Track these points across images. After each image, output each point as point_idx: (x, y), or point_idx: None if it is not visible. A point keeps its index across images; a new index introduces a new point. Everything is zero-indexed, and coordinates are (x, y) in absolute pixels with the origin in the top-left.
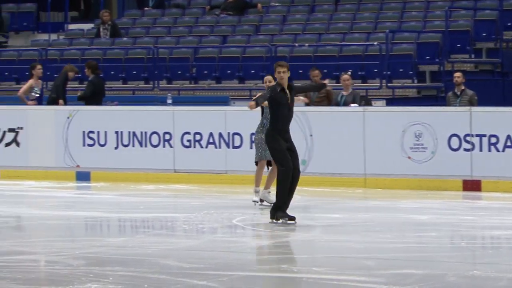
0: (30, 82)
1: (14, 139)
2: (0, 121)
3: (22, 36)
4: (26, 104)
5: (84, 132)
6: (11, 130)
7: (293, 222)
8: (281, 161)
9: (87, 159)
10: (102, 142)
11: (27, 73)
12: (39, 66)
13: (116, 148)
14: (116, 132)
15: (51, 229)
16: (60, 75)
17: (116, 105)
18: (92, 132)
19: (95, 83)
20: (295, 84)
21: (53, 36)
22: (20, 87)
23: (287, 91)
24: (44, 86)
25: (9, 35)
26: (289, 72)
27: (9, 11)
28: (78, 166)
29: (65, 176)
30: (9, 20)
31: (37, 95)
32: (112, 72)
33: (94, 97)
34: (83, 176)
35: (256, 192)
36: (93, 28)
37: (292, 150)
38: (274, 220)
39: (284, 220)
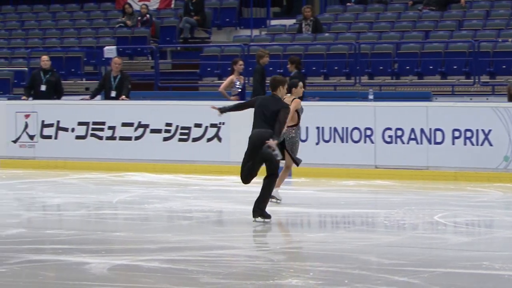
0: (231, 77)
1: (216, 134)
2: (203, 116)
3: (225, 32)
4: (228, 99)
5: None
6: (213, 125)
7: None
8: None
9: None
10: (303, 138)
11: (229, 69)
12: (240, 62)
13: (317, 143)
14: (317, 128)
15: (252, 224)
16: (256, 72)
17: (318, 100)
18: None
19: (295, 79)
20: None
21: (255, 32)
22: (222, 83)
23: None
24: (246, 81)
25: (212, 31)
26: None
27: (212, 7)
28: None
29: None
30: (211, 16)
31: (239, 90)
32: (314, 68)
33: None
34: None
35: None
36: (295, 24)
37: None
38: (259, 219)
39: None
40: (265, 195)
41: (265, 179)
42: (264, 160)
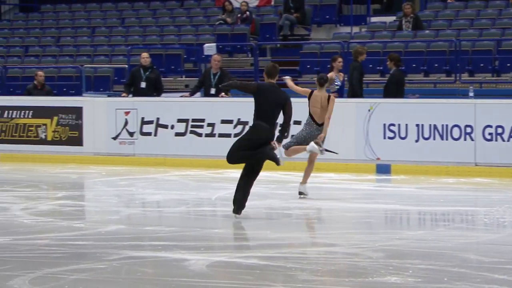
0: (331, 74)
1: None
2: (302, 113)
3: (324, 29)
4: None
5: (384, 125)
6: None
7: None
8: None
9: (388, 152)
10: (402, 135)
11: (328, 66)
12: (339, 59)
13: (416, 141)
14: (417, 125)
15: (351, 221)
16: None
17: (417, 98)
18: (392, 125)
19: (395, 76)
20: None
21: (355, 29)
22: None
23: None
24: (346, 78)
25: (312, 28)
26: None
27: (312, 4)
28: (378, 158)
29: (365, 169)
30: (311, 13)
31: (338, 87)
32: (414, 65)
33: (397, 89)
34: (383, 169)
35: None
36: (395, 21)
37: None
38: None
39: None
40: (249, 193)
41: (249, 176)
42: (263, 159)
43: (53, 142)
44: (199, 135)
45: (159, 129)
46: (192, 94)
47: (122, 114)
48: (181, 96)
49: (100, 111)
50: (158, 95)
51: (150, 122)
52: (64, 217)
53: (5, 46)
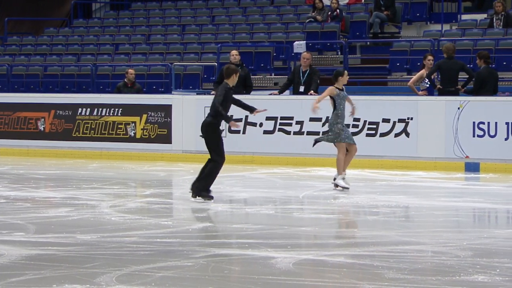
0: (421, 72)
1: (404, 129)
2: (391, 111)
3: (415, 26)
4: (416, 94)
5: (474, 122)
6: (401, 120)
7: (211, 201)
8: (220, 153)
9: (477, 150)
10: (492, 133)
11: (418, 64)
12: (430, 57)
13: (506, 139)
14: (507, 123)
15: (439, 219)
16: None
17: (508, 95)
18: (482, 123)
19: (482, 73)
20: None
21: (446, 27)
22: (411, 78)
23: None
24: (435, 77)
25: (402, 25)
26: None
27: (402, 2)
28: (467, 157)
29: (454, 167)
30: (402, 11)
31: (427, 86)
32: (504, 63)
33: (484, 87)
34: (472, 167)
35: (343, 178)
36: (486, 19)
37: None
38: (198, 198)
39: (206, 199)
40: (207, 177)
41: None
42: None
43: (142, 140)
44: (288, 133)
45: (248, 126)
46: (281, 92)
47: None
48: (270, 94)
49: (189, 109)
50: (248, 92)
51: (239, 120)
52: (151, 215)
53: (95, 44)
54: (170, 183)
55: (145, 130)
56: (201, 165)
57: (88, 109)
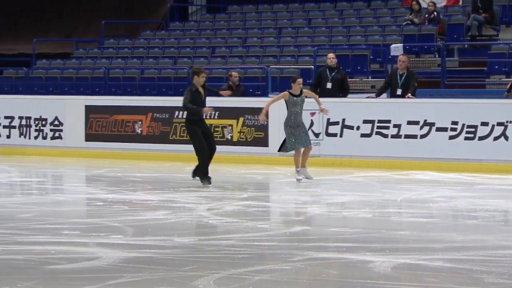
0: None
1: (502, 132)
2: (490, 114)
3: None
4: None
5: None
6: (499, 124)
7: (210, 185)
8: (199, 144)
9: None
10: None
11: None
12: None
13: None
14: None
15: None
16: None
17: None
18: None
19: None
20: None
21: None
22: (510, 81)
23: (202, 90)
24: None
25: (500, 28)
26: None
27: (501, 4)
28: None
29: None
30: (500, 13)
31: None
32: None
33: None
34: None
35: (298, 171)
36: None
37: (206, 132)
38: (197, 178)
39: (205, 183)
40: (199, 168)
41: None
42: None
43: (238, 143)
44: (385, 136)
45: (345, 130)
46: (378, 95)
47: (307, 115)
48: (367, 97)
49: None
50: (344, 95)
51: (336, 123)
52: (249, 218)
53: (192, 47)
54: (267, 186)
55: (241, 133)
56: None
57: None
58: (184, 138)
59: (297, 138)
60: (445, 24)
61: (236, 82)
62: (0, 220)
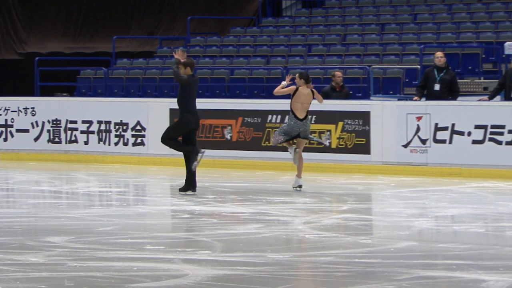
0: None
1: None
2: None
3: None
4: None
5: None
6: None
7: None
8: (172, 136)
9: None
10: None
11: None
12: None
13: None
14: None
15: None
16: None
17: None
18: None
19: None
20: None
21: None
22: None
23: None
24: None
25: None
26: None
27: None
28: None
29: None
30: None
31: None
32: None
33: None
34: None
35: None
36: None
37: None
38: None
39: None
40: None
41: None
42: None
43: (337, 150)
44: (499, 143)
45: (455, 136)
46: (491, 97)
47: (413, 119)
48: (479, 100)
49: (389, 116)
50: (454, 98)
51: (445, 129)
52: (349, 232)
53: (286, 45)
54: (369, 198)
55: (341, 140)
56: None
57: (279, 116)
58: (278, 145)
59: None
60: None
61: (339, 83)
62: (78, 234)
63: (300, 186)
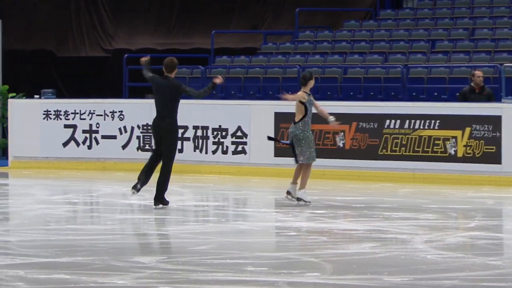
0: None
1: None
2: None
3: None
4: None
5: None
6: None
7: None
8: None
9: None
10: None
11: None
12: None
13: None
14: None
15: None
16: None
17: None
18: None
19: None
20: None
21: None
22: None
23: None
24: None
25: None
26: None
27: None
28: None
29: None
30: None
31: None
32: None
33: None
34: None
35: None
36: None
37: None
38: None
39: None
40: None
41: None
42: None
43: (464, 159)
44: None
45: None
46: None
47: None
48: None
49: None
50: None
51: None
52: (477, 253)
53: (407, 41)
54: (500, 213)
55: (468, 147)
56: None
57: (398, 121)
58: (397, 153)
59: (312, 149)
60: None
61: (480, 84)
62: (172, 254)
63: (298, 199)
